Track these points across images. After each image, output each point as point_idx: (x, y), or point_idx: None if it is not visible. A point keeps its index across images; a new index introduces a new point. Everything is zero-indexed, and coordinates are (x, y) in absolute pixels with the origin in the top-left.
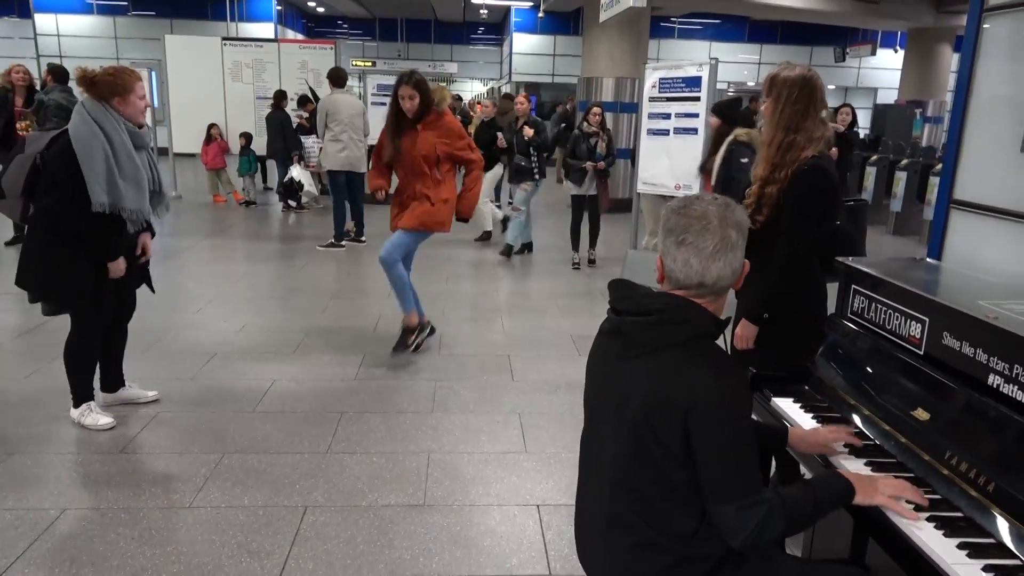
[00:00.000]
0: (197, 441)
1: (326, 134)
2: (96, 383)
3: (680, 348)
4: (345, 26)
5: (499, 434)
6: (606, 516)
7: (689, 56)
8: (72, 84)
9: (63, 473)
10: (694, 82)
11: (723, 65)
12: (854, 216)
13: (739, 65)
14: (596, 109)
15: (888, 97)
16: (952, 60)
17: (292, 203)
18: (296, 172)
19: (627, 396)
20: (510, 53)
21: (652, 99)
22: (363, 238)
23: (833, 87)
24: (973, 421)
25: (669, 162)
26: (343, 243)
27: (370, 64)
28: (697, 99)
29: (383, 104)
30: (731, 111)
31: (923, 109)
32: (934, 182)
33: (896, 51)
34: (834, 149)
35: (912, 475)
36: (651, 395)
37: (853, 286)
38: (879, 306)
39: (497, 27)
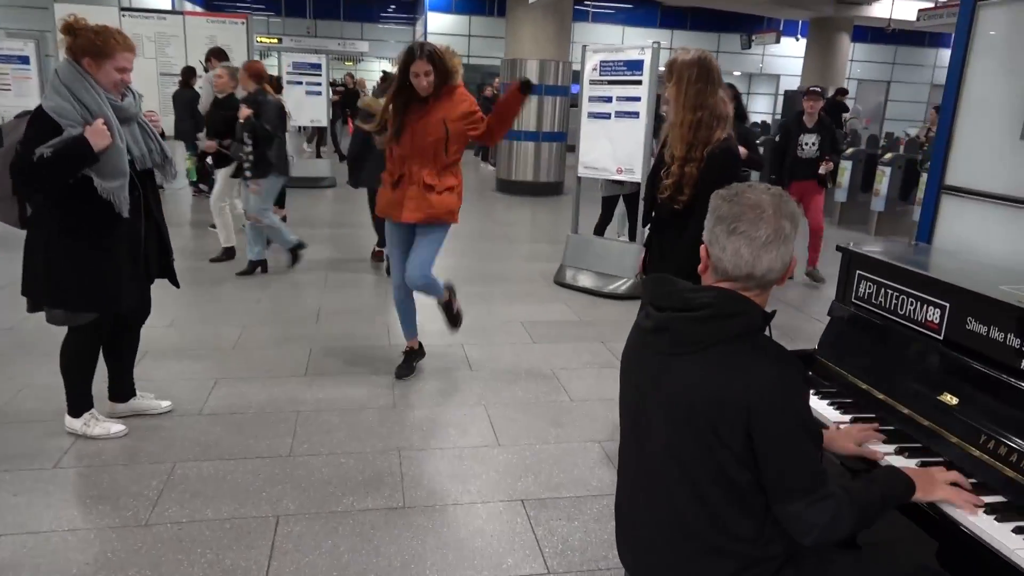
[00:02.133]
0: (142, 450)
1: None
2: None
3: (733, 343)
4: (248, 0)
5: (468, 427)
6: (666, 521)
7: (603, 40)
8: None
9: None
10: (636, 65)
11: (634, 50)
12: None
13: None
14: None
15: (790, 84)
16: (850, 49)
17: (203, 187)
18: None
19: (682, 396)
20: (424, 33)
21: (593, 82)
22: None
23: (739, 73)
24: (1007, 404)
25: (611, 146)
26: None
27: (276, 41)
28: (639, 83)
29: (299, 84)
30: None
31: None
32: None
33: (797, 39)
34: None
35: (941, 459)
36: (708, 394)
37: (858, 272)
38: (891, 292)
39: (409, 6)
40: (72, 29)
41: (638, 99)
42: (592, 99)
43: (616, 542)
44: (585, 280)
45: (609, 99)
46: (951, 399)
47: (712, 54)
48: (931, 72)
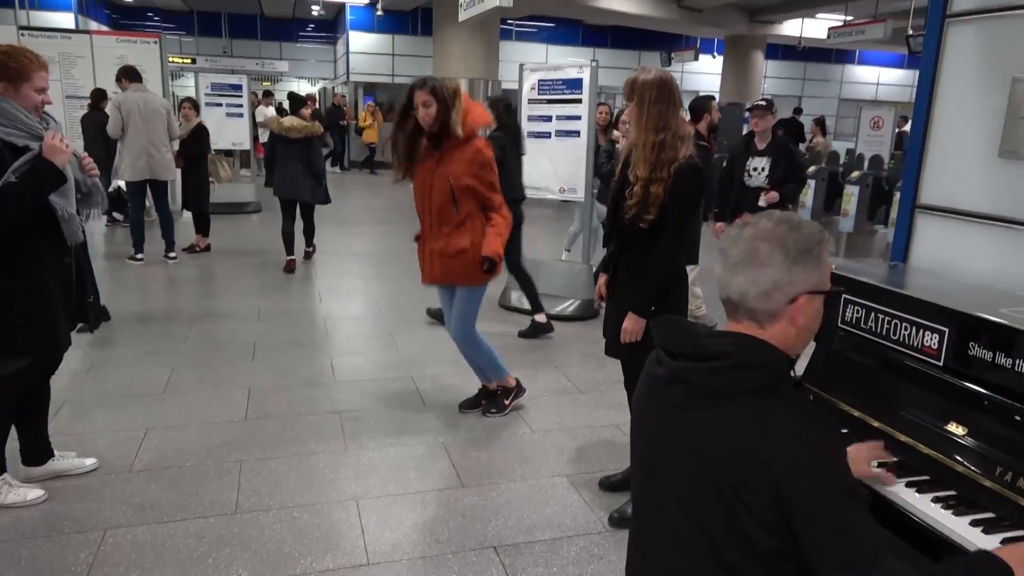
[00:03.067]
0: (66, 517)
1: (121, 140)
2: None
3: (755, 397)
4: (157, 19)
5: (428, 468)
6: None
7: (527, 58)
8: None
9: None
10: (575, 84)
11: (572, 68)
12: None
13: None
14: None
15: None
16: (764, 65)
17: (118, 216)
18: (121, 182)
19: (699, 455)
20: (346, 52)
21: (532, 101)
22: (173, 254)
23: None
24: (1020, 432)
25: (552, 165)
26: (140, 256)
27: (190, 61)
28: (579, 101)
29: (218, 105)
30: (292, 102)
31: (741, 111)
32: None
33: (714, 56)
34: None
35: (953, 492)
36: (730, 456)
37: (844, 296)
38: (882, 316)
39: (329, 24)
40: None
41: (578, 118)
42: (532, 118)
43: None
44: None
45: (549, 118)
46: (957, 428)
47: (672, 74)
48: (839, 87)
